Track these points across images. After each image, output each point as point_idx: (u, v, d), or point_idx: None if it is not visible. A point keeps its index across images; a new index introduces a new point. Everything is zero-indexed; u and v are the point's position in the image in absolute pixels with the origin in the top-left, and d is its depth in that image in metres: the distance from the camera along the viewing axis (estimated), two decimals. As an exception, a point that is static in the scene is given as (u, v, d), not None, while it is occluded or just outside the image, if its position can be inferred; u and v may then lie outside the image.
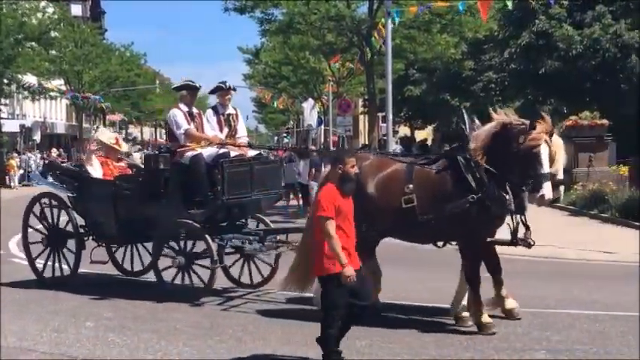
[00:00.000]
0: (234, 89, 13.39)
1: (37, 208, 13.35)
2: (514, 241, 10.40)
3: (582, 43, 31.39)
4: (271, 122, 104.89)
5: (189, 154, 12.02)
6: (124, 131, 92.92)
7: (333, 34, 33.86)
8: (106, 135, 14.33)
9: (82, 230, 12.95)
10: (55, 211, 13.30)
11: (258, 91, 65.83)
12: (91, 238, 13.08)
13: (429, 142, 54.34)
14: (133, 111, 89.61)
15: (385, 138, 28.14)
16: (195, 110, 12.60)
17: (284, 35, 36.30)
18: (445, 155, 10.52)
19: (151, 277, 13.24)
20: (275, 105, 65.64)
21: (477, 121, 10.53)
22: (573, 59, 31.62)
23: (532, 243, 10.37)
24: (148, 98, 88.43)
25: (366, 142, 43.59)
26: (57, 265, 13.12)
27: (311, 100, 52.73)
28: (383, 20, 26.62)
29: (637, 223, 20.12)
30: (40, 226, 13.45)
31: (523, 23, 33.33)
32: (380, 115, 37.19)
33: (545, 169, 9.77)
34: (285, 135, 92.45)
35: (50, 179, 13.67)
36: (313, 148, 43.33)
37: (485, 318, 9.92)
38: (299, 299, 11.68)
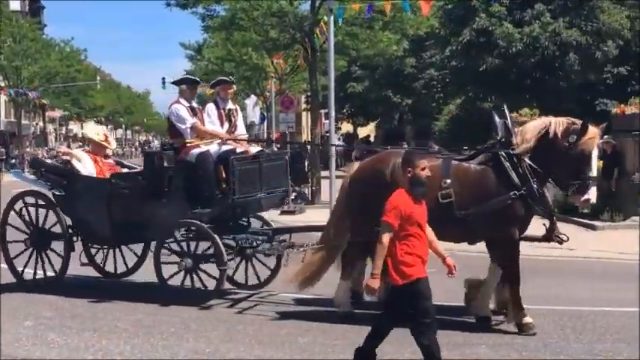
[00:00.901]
0: (235, 83, 13.13)
1: (18, 207, 12.69)
2: (549, 238, 10.31)
3: (522, 41, 31.74)
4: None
5: (196, 151, 11.62)
6: (64, 128, 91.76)
7: (276, 30, 33.76)
8: (94, 131, 13.58)
9: (70, 231, 12.38)
10: (38, 210, 12.63)
11: (201, 87, 65.46)
12: (79, 239, 12.56)
13: (372, 139, 54.65)
14: (74, 107, 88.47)
15: (328, 134, 28.14)
16: (194, 105, 12.19)
17: (226, 31, 36.14)
18: (486, 150, 10.31)
19: (134, 278, 13.07)
20: (217, 101, 65.31)
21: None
22: (513, 57, 31.96)
23: (565, 239, 10.29)
24: (88, 94, 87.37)
25: (308, 139, 43.55)
26: (37, 267, 12.53)
27: (254, 97, 52.63)
28: (325, 17, 26.63)
29: (575, 219, 20.44)
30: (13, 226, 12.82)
31: (464, 21, 33.60)
32: (323, 111, 37.20)
33: (594, 172, 9.74)
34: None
35: (32, 176, 12.97)
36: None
37: (527, 319, 9.75)
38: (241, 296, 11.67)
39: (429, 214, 9.34)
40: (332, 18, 23.88)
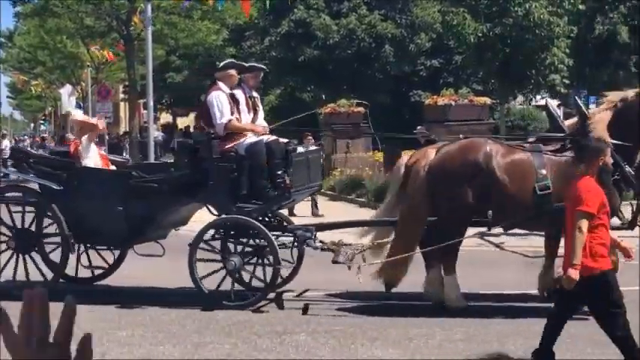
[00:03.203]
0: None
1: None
2: (634, 223, 10.27)
3: (339, 32, 32.32)
4: (27, 109, 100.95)
5: (245, 141, 10.78)
6: None
7: (92, 18, 33.02)
8: (79, 114, 12.10)
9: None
10: (24, 207, 11.21)
11: (13, 75, 63.15)
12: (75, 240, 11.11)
13: (192, 130, 54.30)
14: None
15: (146, 125, 27.75)
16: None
17: (39, 18, 35.00)
18: (572, 141, 10.19)
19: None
20: (32, 91, 63.17)
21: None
22: (331, 48, 32.50)
23: None
24: None
25: (127, 130, 42.81)
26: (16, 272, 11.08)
27: (69, 86, 51.04)
28: (142, 5, 26.22)
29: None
30: None
31: (282, 12, 33.87)
32: (141, 101, 36.67)
33: None
34: (42, 122, 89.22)
35: (13, 169, 11.59)
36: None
37: None
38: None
39: (526, 205, 9.34)
40: (149, 6, 23.54)
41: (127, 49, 31.82)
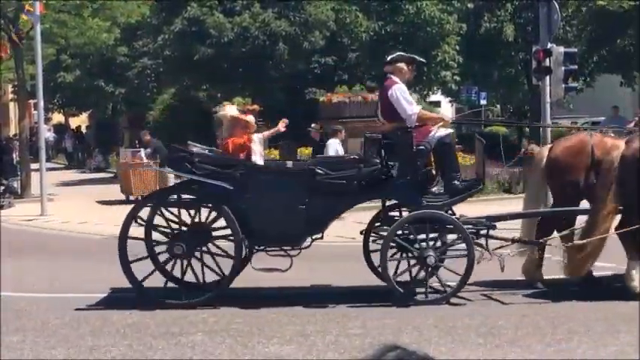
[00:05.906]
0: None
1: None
2: None
3: (233, 30, 32.22)
4: None
5: (436, 134, 10.74)
6: None
7: (-23, 16, 32.12)
8: (235, 110, 11.50)
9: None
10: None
11: None
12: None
13: (84, 130, 53.42)
14: None
15: (37, 125, 27.19)
16: None
17: None
18: None
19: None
20: None
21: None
22: (225, 46, 32.37)
23: None
24: None
25: (17, 131, 41.72)
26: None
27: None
28: (30, 3, 25.64)
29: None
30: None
31: (175, 10, 33.58)
32: (31, 102, 35.87)
33: None
34: None
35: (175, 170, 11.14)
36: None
37: None
38: None
39: None
40: (37, 4, 23.08)
41: (15, 49, 31.06)
